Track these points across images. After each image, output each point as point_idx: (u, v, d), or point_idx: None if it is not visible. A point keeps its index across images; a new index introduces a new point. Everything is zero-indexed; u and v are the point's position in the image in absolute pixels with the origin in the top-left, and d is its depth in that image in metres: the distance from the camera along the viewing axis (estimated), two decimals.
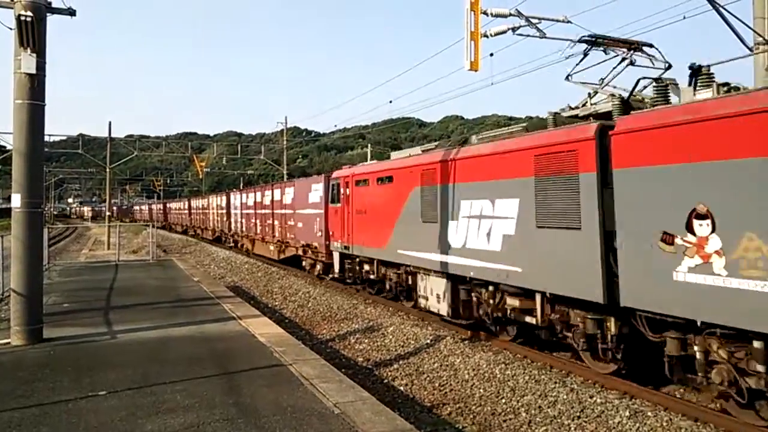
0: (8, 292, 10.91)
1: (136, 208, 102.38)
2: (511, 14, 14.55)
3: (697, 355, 7.41)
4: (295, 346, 9.52)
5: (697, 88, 8.00)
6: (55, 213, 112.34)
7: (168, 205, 72.00)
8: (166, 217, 69.57)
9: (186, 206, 57.04)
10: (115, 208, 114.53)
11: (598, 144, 8.44)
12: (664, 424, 7.64)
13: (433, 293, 13.18)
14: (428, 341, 12.21)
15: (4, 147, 43.74)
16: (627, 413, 7.95)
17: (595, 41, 10.16)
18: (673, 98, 8.92)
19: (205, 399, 6.70)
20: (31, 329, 9.58)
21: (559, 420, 8.08)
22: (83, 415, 6.21)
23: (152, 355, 8.87)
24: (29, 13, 9.28)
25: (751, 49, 12.78)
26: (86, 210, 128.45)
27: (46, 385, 7.33)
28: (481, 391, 9.41)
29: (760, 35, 12.47)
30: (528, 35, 15.16)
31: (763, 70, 12.45)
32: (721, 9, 12.77)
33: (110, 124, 39.85)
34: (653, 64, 9.95)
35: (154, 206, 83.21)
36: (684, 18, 13.88)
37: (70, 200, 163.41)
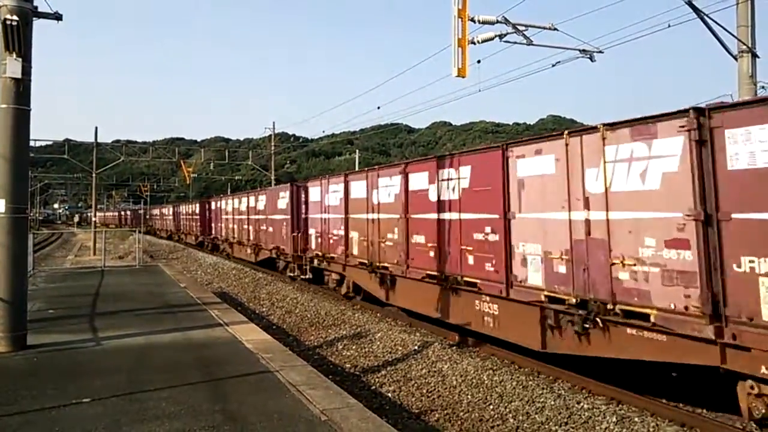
0: None
1: (155, 212, 75.32)
2: (498, 21, 14.70)
3: None
4: (283, 353, 9.47)
5: None
6: (40, 218, 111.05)
7: (210, 206, 40.57)
8: (206, 228, 41.55)
9: (261, 207, 27.04)
10: (128, 213, 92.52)
11: None
12: (651, 429, 7.68)
13: None
14: (416, 347, 12.20)
15: None
16: (614, 419, 7.98)
17: None
18: None
19: (191, 406, 6.64)
20: (14, 336, 9.45)
21: (546, 426, 8.10)
22: (67, 423, 6.14)
23: (138, 361, 8.79)
24: (15, 18, 9.20)
25: (735, 57, 12.96)
26: (76, 217, 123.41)
27: (29, 392, 7.23)
28: (469, 397, 9.41)
29: (743, 43, 12.64)
30: (515, 42, 15.33)
31: (747, 77, 12.62)
32: (705, 18, 12.96)
33: (96, 129, 39.62)
34: None
35: (182, 208, 53.97)
36: (669, 26, 14.05)
37: (55, 206, 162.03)
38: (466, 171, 11.71)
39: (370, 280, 16.23)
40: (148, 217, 78.34)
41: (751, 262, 6.70)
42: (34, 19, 9.81)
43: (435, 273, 12.77)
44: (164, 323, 11.73)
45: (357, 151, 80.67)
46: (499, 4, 18.28)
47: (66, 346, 9.83)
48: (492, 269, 10.89)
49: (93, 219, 42.89)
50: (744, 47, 12.68)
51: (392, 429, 6.15)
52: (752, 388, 6.89)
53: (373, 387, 10.33)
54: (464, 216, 11.71)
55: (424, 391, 9.90)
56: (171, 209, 60.25)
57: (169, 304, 14.44)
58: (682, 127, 7.44)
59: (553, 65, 17.09)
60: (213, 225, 39.48)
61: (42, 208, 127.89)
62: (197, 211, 45.30)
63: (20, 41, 9.27)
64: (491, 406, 8.93)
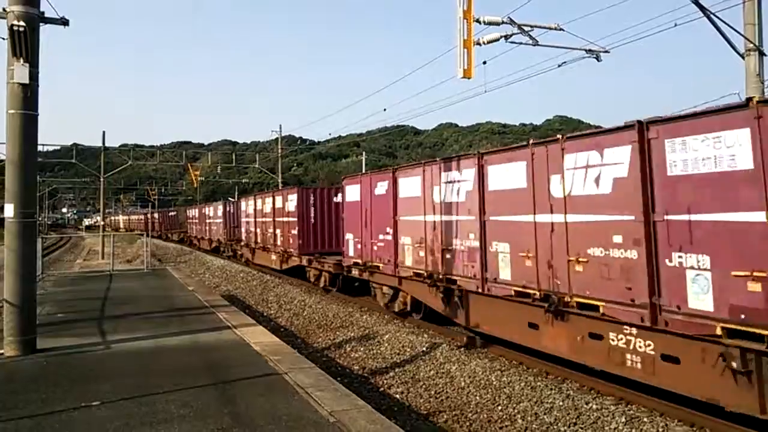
0: (1, 302, 10.83)
1: (192, 214, 52.66)
2: (503, 22, 14.69)
3: None
4: (291, 355, 9.49)
5: None
6: (49, 223, 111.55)
7: (343, 196, 18.56)
8: (319, 238, 22.34)
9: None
10: (157, 216, 75.81)
11: None
12: (660, 429, 7.63)
13: None
14: (424, 349, 12.19)
15: None
16: (623, 419, 7.95)
17: None
18: None
19: (199, 409, 6.66)
20: (24, 340, 9.51)
21: (555, 427, 8.07)
22: (76, 427, 6.17)
23: (146, 365, 8.82)
24: (22, 24, 9.27)
25: (742, 56, 12.90)
26: (86, 220, 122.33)
27: (39, 396, 7.28)
28: (478, 398, 9.39)
29: (750, 41, 12.58)
30: (521, 43, 15.31)
31: (754, 75, 12.56)
32: (712, 16, 12.90)
33: (104, 133, 40.10)
34: None
35: (248, 205, 31.88)
36: (675, 25, 14.00)
37: (64, 210, 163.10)
38: None
39: None
40: (182, 220, 60.02)
41: None
42: (40, 24, 9.87)
43: None
44: (172, 326, 11.77)
45: (364, 153, 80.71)
46: (504, 4, 18.28)
47: (75, 349, 9.88)
48: None
49: (101, 223, 43.10)
50: (751, 45, 12.62)
51: (400, 430, 6.15)
52: None
53: (382, 389, 10.32)
54: None
55: (433, 392, 9.89)
56: (219, 209, 39.02)
57: (177, 307, 14.49)
58: None
59: (559, 65, 17.07)
60: (365, 239, 16.57)
61: (50, 212, 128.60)
62: (289, 208, 22.88)
63: (27, 47, 9.33)
64: (500, 407, 8.91)
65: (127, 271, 25.50)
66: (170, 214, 69.51)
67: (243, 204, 33.19)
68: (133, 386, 7.59)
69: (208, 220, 43.95)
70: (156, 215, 76.83)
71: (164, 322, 12.39)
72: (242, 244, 32.60)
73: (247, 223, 31.33)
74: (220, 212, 39.10)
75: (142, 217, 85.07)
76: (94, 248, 45.13)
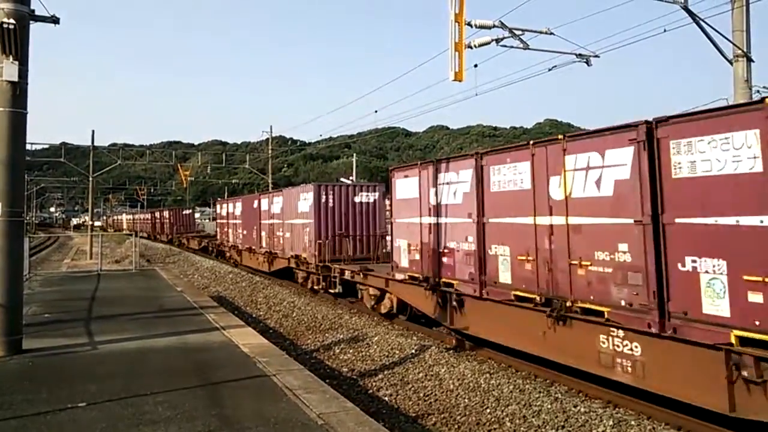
0: None
1: (226, 211, 35.16)
2: (494, 26, 14.74)
3: None
4: (279, 357, 9.46)
5: None
6: (36, 222, 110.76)
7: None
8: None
9: None
10: (166, 213, 61.35)
11: None
12: None
13: None
14: (413, 351, 12.19)
15: None
16: (611, 422, 7.98)
17: None
18: None
19: (187, 411, 6.62)
20: (10, 340, 9.42)
21: (543, 430, 8.09)
22: (62, 428, 6.11)
23: (134, 366, 8.76)
24: (12, 21, 9.19)
25: (730, 61, 13.02)
26: (74, 220, 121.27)
27: (24, 396, 7.21)
28: (466, 401, 9.40)
29: (738, 47, 12.70)
30: (512, 46, 15.36)
31: (742, 81, 12.69)
32: (701, 22, 13.02)
33: (93, 132, 39.80)
34: None
35: (440, 190, 12.44)
36: (665, 31, 14.11)
37: (52, 209, 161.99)
38: None
39: None
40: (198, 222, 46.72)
41: None
42: (30, 22, 9.80)
43: None
44: (160, 327, 11.70)
45: (354, 155, 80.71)
46: (495, 8, 18.36)
47: (62, 350, 9.79)
48: None
49: (90, 223, 42.84)
50: (739, 51, 12.75)
51: None
52: None
53: (370, 391, 10.32)
54: None
55: (421, 394, 9.89)
56: (305, 200, 20.74)
57: (165, 308, 14.40)
58: None
59: (550, 69, 17.15)
60: None
61: (38, 211, 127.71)
62: None
63: (17, 44, 9.26)
64: (488, 410, 8.93)
65: (116, 272, 25.34)
66: (184, 212, 57.19)
67: (399, 186, 14.65)
68: (120, 387, 7.54)
69: (266, 222, 25.91)
70: (166, 214, 60.98)
71: (152, 322, 12.31)
72: (420, 275, 13.48)
73: (452, 226, 12.36)
74: (306, 206, 20.70)
75: (149, 216, 71.29)
76: (82, 248, 44.79)
